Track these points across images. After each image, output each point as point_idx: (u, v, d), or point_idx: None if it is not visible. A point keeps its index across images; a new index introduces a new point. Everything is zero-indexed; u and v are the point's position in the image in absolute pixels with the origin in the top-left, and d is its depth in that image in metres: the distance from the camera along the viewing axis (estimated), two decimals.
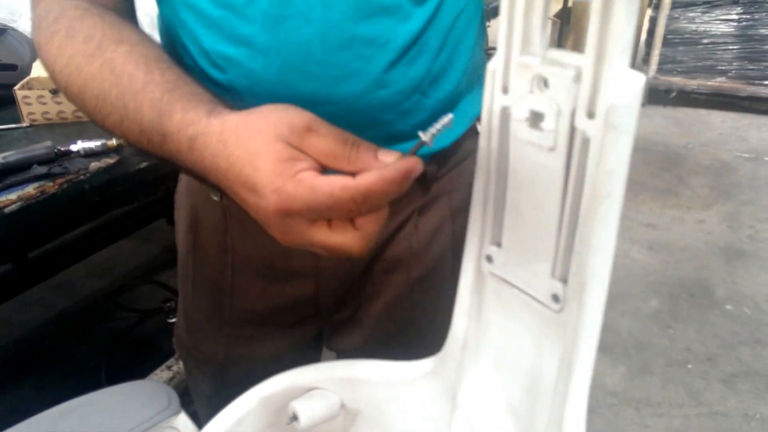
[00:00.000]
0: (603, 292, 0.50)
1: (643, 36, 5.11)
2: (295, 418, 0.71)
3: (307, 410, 0.71)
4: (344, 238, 0.49)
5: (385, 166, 0.48)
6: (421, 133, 0.51)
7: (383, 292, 0.90)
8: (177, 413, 0.73)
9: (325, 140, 0.49)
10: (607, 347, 2.49)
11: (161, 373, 1.92)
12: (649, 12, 5.00)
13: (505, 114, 0.52)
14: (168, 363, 1.95)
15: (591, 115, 0.44)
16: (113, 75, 0.57)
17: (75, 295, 2.21)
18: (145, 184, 1.42)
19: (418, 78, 0.70)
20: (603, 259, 0.49)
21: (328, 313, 0.92)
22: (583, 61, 0.43)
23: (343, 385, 0.74)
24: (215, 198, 0.83)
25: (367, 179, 0.46)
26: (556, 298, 0.53)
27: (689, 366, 2.40)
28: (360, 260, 0.87)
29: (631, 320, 2.64)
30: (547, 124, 0.47)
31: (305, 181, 0.47)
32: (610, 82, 0.42)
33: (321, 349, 1.03)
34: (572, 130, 0.46)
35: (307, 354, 0.98)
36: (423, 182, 0.83)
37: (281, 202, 0.47)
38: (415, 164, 0.48)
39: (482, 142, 0.56)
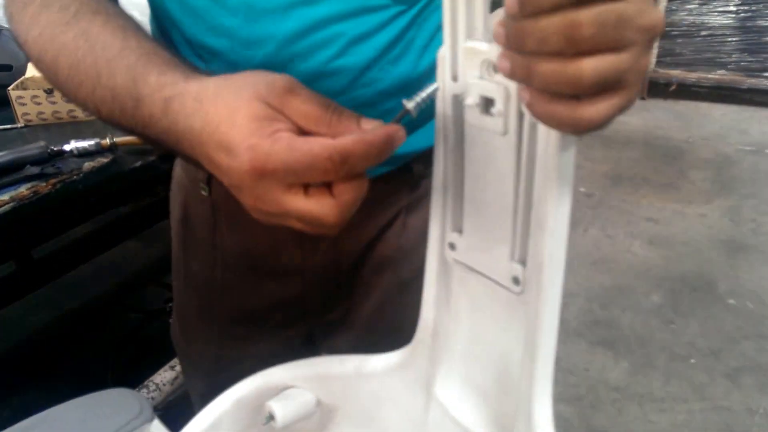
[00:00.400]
0: (560, 271, 0.51)
1: None
2: (271, 417, 0.70)
3: (282, 409, 0.70)
4: (320, 206, 0.47)
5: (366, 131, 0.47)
6: (405, 101, 0.50)
7: (372, 292, 0.89)
8: (150, 420, 0.72)
9: (306, 103, 0.48)
10: (609, 342, 2.48)
11: (164, 374, 1.92)
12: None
13: (457, 101, 0.52)
14: (171, 363, 1.95)
15: None
16: (88, 43, 0.56)
17: (82, 296, 2.21)
18: (140, 184, 1.41)
19: (401, 78, 0.70)
20: (558, 239, 0.49)
21: (316, 314, 0.92)
22: None
23: (317, 381, 0.73)
24: (204, 193, 0.83)
25: (347, 139, 0.45)
26: (516, 280, 0.54)
27: (692, 361, 2.39)
28: (345, 257, 0.87)
29: (633, 315, 2.64)
30: (497, 108, 0.48)
31: (282, 140, 0.45)
32: None
33: (317, 353, 1.03)
34: (521, 114, 0.47)
35: (302, 354, 0.96)
36: (411, 180, 0.83)
37: (256, 159, 0.45)
38: (396, 131, 0.46)
39: (438, 130, 0.56)
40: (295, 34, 0.64)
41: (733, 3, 4.69)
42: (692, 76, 4.89)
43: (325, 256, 0.85)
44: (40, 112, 1.54)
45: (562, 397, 2.22)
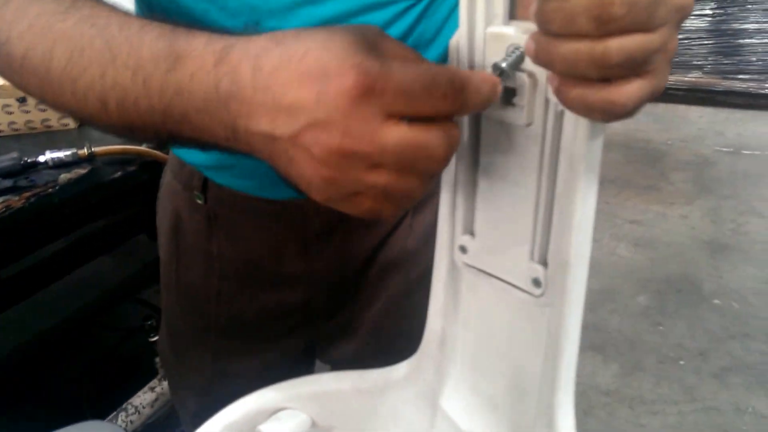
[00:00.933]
0: (585, 270, 0.49)
1: None
2: None
3: None
4: (428, 134, 0.40)
5: None
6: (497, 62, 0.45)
7: (380, 296, 0.87)
8: None
9: (401, 46, 0.43)
10: (598, 346, 2.49)
11: (143, 396, 1.85)
12: None
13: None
14: (151, 384, 1.88)
15: None
16: (95, 28, 0.49)
17: (53, 316, 2.14)
18: (120, 195, 1.36)
19: None
20: (584, 236, 0.47)
21: (320, 322, 0.89)
22: None
23: (312, 401, 0.70)
24: (199, 201, 0.80)
25: (464, 70, 0.41)
26: (537, 282, 0.51)
27: (681, 362, 2.40)
28: (351, 262, 0.84)
29: (620, 318, 2.64)
30: (521, 99, 0.45)
31: (396, 59, 0.40)
32: None
33: (314, 363, 1.00)
34: (547, 102, 0.45)
35: (299, 368, 0.94)
36: None
37: (365, 76, 0.38)
38: (498, 82, 0.43)
39: None
40: None
41: (708, 6, 4.75)
42: (669, 79, 4.87)
43: (330, 261, 0.83)
44: (12, 122, 1.49)
45: None
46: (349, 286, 0.86)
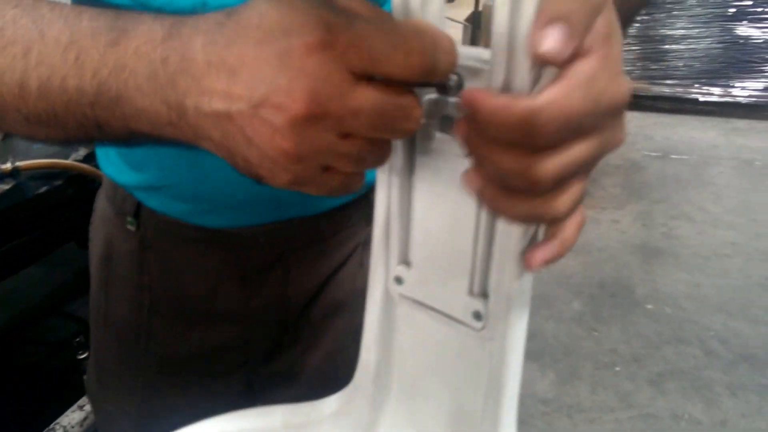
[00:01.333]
0: (527, 302, 0.49)
1: None
2: None
3: None
4: (400, 95, 0.36)
5: None
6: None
7: (323, 339, 0.80)
8: None
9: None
10: (534, 354, 2.45)
11: (72, 414, 1.75)
12: None
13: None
14: (80, 402, 1.78)
15: None
16: (19, 8, 0.44)
17: None
18: (46, 211, 1.28)
19: None
20: (526, 269, 0.46)
21: (258, 364, 0.81)
22: (492, 56, 0.37)
23: None
24: (131, 227, 0.73)
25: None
26: (477, 315, 0.49)
27: (617, 368, 2.39)
28: (293, 299, 0.78)
29: (556, 324, 2.62)
30: None
31: (359, 17, 0.35)
32: (520, 76, 0.36)
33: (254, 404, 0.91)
34: None
35: (240, 408, 0.86)
36: (368, 212, 0.74)
37: (328, 34, 0.34)
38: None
39: None
40: None
41: None
42: None
43: (270, 299, 0.76)
44: None
45: None
46: (291, 326, 0.79)
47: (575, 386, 2.31)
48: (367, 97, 0.35)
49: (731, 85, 4.81)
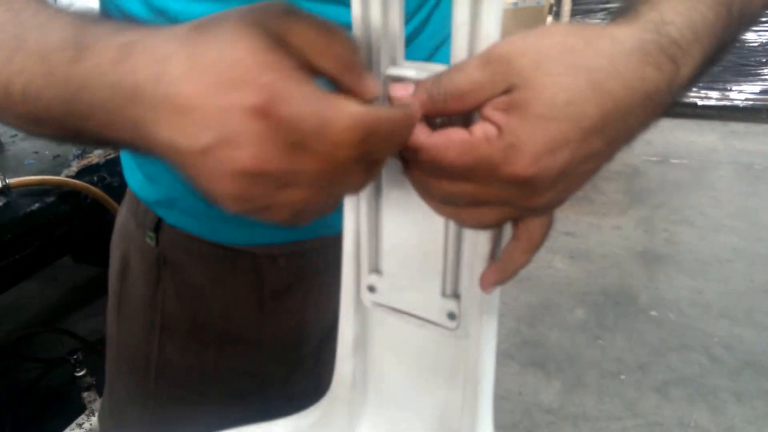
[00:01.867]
0: (497, 299, 0.51)
1: None
2: None
3: None
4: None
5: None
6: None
7: None
8: None
9: (311, 28, 0.38)
10: (539, 362, 2.44)
11: None
12: (550, 19, 5.07)
13: None
14: (78, 420, 1.75)
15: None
16: (11, 12, 0.44)
17: None
18: (38, 229, 1.26)
19: None
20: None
21: (273, 393, 0.79)
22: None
23: None
24: (150, 242, 0.71)
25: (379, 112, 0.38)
26: (451, 315, 0.52)
27: (622, 377, 2.37)
28: (311, 326, 0.75)
29: (560, 332, 2.60)
30: None
31: (297, 85, 0.36)
32: None
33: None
34: None
35: None
36: None
37: (272, 99, 0.35)
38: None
39: None
40: None
41: None
42: None
43: (288, 323, 0.74)
44: None
45: (498, 424, 2.09)
46: (310, 353, 0.77)
47: (581, 395, 2.29)
48: (306, 161, 0.36)
49: (729, 88, 4.81)
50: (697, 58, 0.40)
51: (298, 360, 0.78)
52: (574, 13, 4.92)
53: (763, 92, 4.75)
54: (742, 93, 4.76)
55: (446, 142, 0.38)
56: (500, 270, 0.47)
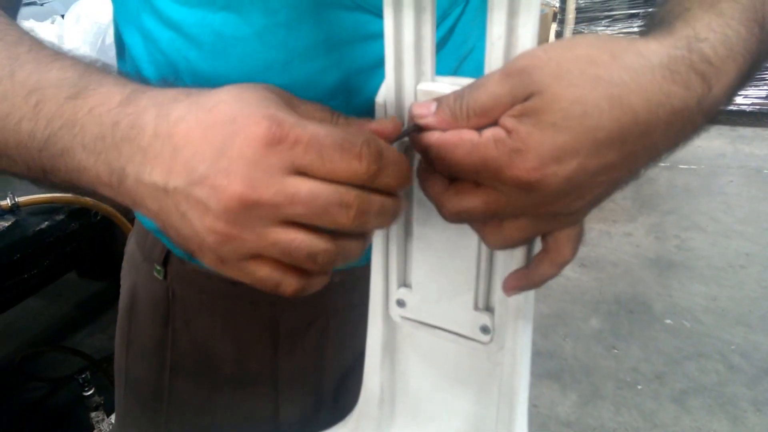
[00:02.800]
0: (532, 311, 0.50)
1: None
2: None
3: None
4: (343, 190, 0.37)
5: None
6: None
7: None
8: None
9: (313, 107, 0.42)
10: (554, 374, 2.40)
11: None
12: (554, 27, 5.06)
13: (403, 146, 0.47)
14: None
15: None
16: (2, 42, 0.45)
17: None
18: (47, 247, 1.23)
19: None
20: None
21: (292, 431, 0.74)
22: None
23: None
24: (158, 276, 0.68)
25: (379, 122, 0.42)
26: (485, 329, 0.51)
27: (639, 387, 2.33)
28: (330, 365, 0.72)
29: (574, 342, 2.57)
30: None
31: (307, 120, 0.38)
32: None
33: None
34: None
35: None
36: None
37: (277, 125, 0.35)
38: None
39: None
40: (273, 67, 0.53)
41: (635, 24, 4.86)
42: None
43: (304, 364, 0.70)
44: None
45: None
46: (329, 396, 0.74)
47: (598, 407, 2.25)
48: (304, 186, 0.36)
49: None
50: (732, 75, 0.39)
51: (317, 402, 0.74)
52: (578, 21, 4.90)
53: None
54: (748, 98, 4.74)
55: (456, 141, 0.39)
56: (526, 277, 0.46)
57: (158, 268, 0.69)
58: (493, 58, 0.42)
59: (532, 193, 0.38)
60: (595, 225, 3.47)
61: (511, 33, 0.41)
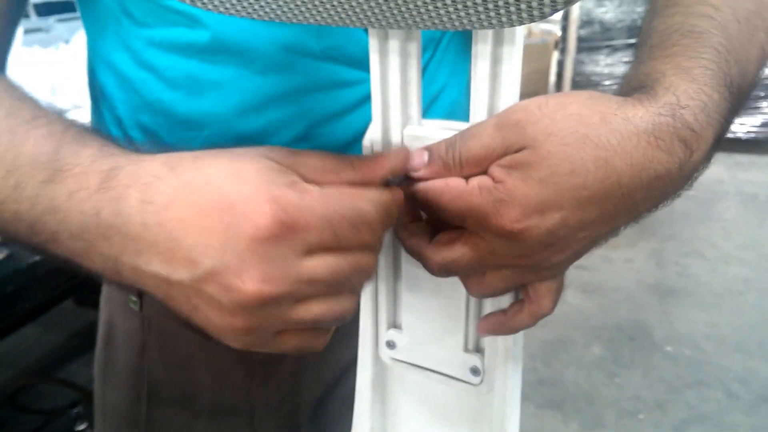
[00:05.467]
0: (521, 351, 0.51)
1: (552, 79, 5.20)
2: None
3: None
4: (356, 255, 0.38)
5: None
6: None
7: None
8: None
9: (316, 156, 0.40)
10: (556, 403, 2.41)
11: None
12: (555, 55, 5.10)
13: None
14: None
15: None
16: None
17: None
18: (41, 280, 1.23)
19: None
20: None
21: None
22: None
23: None
24: (134, 307, 0.68)
25: (387, 192, 0.41)
26: (475, 371, 0.52)
27: (640, 416, 2.34)
28: (306, 394, 0.72)
29: (576, 370, 2.58)
30: None
31: (312, 191, 0.37)
32: None
33: None
34: None
35: None
36: None
37: (283, 211, 0.34)
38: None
39: None
40: (248, 110, 0.53)
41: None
42: None
43: (282, 389, 0.71)
44: None
45: None
46: (306, 420, 0.74)
47: None
48: (319, 265, 0.36)
49: None
50: (710, 140, 0.41)
51: (293, 426, 0.75)
52: (579, 50, 4.94)
53: (764, 125, 4.77)
54: (744, 125, 4.78)
55: (443, 188, 0.40)
56: (501, 322, 0.47)
57: (133, 299, 0.68)
58: (478, 104, 0.43)
59: (515, 243, 0.39)
60: (595, 251, 3.47)
61: (495, 79, 0.42)
